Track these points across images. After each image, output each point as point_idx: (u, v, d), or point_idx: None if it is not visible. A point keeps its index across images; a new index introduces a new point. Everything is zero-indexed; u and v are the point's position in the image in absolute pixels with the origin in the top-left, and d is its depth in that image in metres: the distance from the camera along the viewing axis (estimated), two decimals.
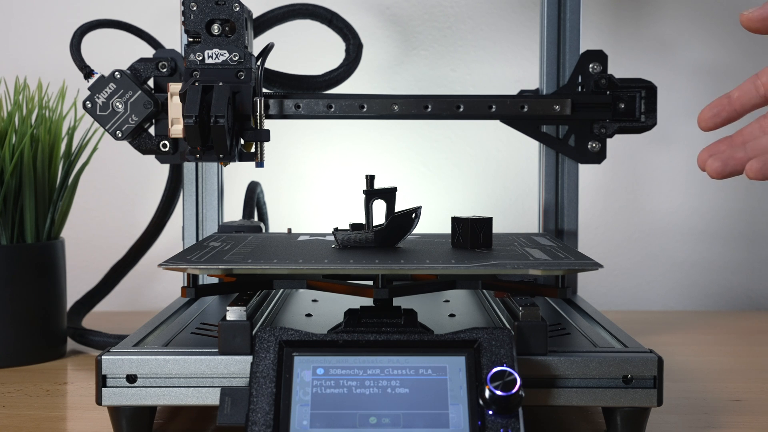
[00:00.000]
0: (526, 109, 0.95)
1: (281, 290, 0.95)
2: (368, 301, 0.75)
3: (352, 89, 0.98)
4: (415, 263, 0.72)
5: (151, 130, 0.91)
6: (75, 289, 1.13)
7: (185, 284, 0.77)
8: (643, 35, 1.31)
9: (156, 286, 1.33)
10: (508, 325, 0.75)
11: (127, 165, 1.31)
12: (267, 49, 0.91)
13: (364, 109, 0.95)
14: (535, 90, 1.02)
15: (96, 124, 1.00)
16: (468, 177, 1.33)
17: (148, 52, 0.95)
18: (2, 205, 0.96)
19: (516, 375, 0.63)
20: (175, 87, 0.89)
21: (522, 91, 1.00)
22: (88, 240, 1.32)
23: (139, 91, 0.89)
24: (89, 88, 0.89)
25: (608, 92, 0.96)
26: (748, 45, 1.31)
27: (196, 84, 0.86)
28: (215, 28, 0.88)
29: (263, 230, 0.99)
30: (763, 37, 1.31)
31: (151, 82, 0.91)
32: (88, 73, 0.89)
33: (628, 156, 1.33)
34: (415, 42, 1.32)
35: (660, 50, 1.31)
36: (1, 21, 1.31)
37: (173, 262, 0.72)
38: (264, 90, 0.94)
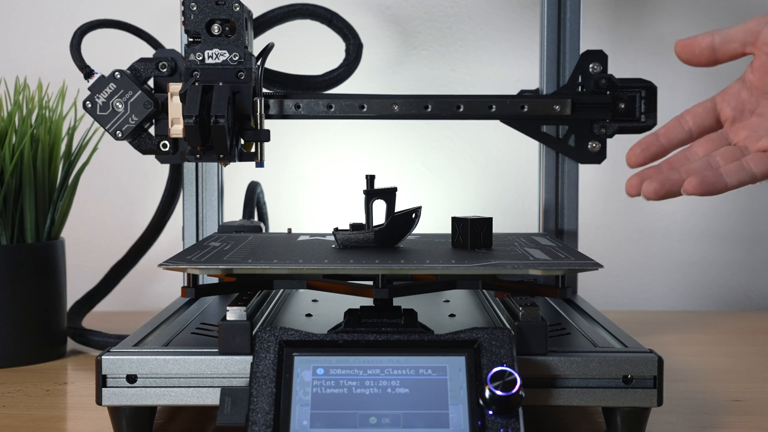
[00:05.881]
0: (526, 109, 0.95)
1: (281, 290, 0.95)
2: (368, 301, 0.75)
3: (352, 89, 0.98)
4: (415, 263, 0.72)
5: (151, 130, 0.91)
6: (75, 289, 1.13)
7: (185, 284, 0.77)
8: (643, 35, 1.31)
9: (156, 286, 1.33)
10: (508, 325, 0.75)
11: (127, 165, 1.31)
12: (267, 49, 0.91)
13: (364, 109, 0.95)
14: (535, 90, 1.02)
15: (96, 124, 1.00)
16: (468, 177, 1.33)
17: (148, 52, 0.95)
18: (2, 205, 0.96)
19: (516, 375, 0.63)
20: (175, 87, 0.89)
21: (522, 91, 1.00)
22: (88, 240, 1.32)
23: (139, 91, 0.89)
24: (89, 88, 0.89)
25: (608, 92, 0.96)
26: None
27: (196, 84, 0.86)
28: (215, 28, 0.88)
29: (263, 230, 0.99)
30: None
31: (151, 82, 0.91)
32: (88, 73, 0.89)
33: None
34: (415, 42, 1.32)
35: (660, 50, 1.31)
36: (1, 21, 1.31)
37: (173, 262, 0.72)
38: (264, 90, 0.94)
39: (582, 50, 0.98)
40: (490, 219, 0.81)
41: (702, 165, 0.78)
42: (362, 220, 0.81)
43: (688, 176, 0.76)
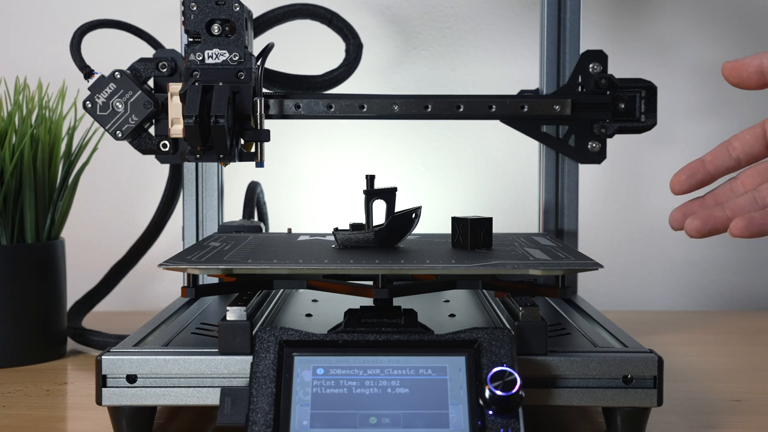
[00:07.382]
0: (526, 109, 0.95)
1: (281, 290, 0.95)
2: (368, 301, 0.75)
3: (352, 89, 0.98)
4: (415, 263, 0.72)
5: (151, 130, 0.91)
6: (75, 289, 1.13)
7: (185, 284, 0.77)
8: (643, 35, 1.31)
9: (156, 286, 1.33)
10: (508, 325, 0.75)
11: (127, 165, 1.31)
12: (267, 49, 0.91)
13: (364, 109, 0.95)
14: (535, 90, 1.02)
15: (96, 124, 1.00)
16: (468, 177, 1.33)
17: (148, 52, 0.95)
18: (2, 205, 0.96)
19: (516, 375, 0.63)
20: (175, 87, 0.89)
21: (522, 91, 1.00)
22: (88, 240, 1.32)
23: (139, 91, 0.89)
24: (89, 88, 0.89)
25: (608, 92, 0.96)
26: (748, 45, 1.31)
27: (196, 84, 0.86)
28: (215, 28, 0.88)
29: (263, 230, 0.99)
30: (763, 38, 1.32)
31: (151, 82, 0.91)
32: (88, 73, 0.89)
33: (628, 156, 1.33)
34: (415, 42, 1.32)
35: (660, 50, 1.31)
36: (1, 21, 1.31)
37: (173, 262, 0.72)
38: (264, 90, 0.94)
39: (582, 50, 0.98)
40: (490, 219, 0.81)
41: (748, 201, 0.74)
42: (362, 220, 0.81)
43: (734, 214, 0.73)
